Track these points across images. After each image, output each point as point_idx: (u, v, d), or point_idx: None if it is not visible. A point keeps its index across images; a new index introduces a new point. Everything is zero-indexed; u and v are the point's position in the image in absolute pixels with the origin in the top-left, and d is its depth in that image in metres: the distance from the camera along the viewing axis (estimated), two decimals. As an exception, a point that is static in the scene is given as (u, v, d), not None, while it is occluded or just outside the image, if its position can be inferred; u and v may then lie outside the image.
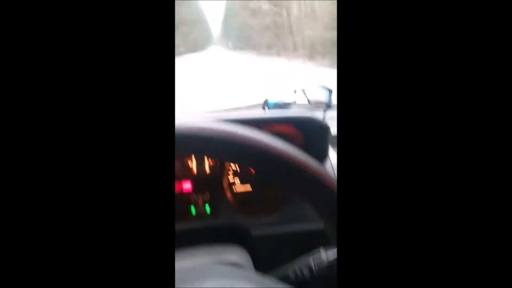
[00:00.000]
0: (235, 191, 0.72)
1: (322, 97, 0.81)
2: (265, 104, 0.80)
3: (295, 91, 0.78)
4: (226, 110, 0.94)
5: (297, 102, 0.78)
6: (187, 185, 0.68)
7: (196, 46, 37.56)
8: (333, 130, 0.75)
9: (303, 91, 0.78)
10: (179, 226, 0.64)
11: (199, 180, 0.70)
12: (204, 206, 0.68)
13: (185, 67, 13.35)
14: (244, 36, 28.66)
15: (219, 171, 0.71)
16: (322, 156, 0.72)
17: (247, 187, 0.72)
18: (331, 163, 0.74)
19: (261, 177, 0.70)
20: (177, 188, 0.67)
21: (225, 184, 0.71)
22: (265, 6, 17.34)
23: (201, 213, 0.69)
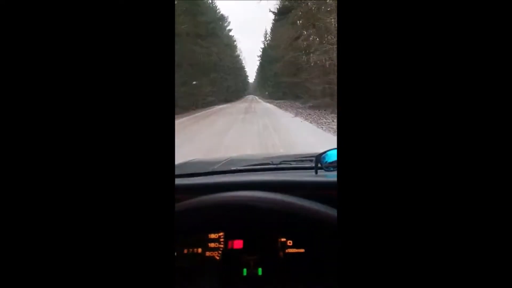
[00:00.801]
0: (288, 252, 0.66)
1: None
2: (319, 160, 0.72)
3: None
4: (279, 162, 0.84)
5: None
6: (238, 244, 0.66)
7: (230, 95, 35.02)
8: None
9: None
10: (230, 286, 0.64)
11: (251, 239, 0.67)
12: (256, 267, 0.64)
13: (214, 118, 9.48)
14: (284, 84, 25.05)
15: (272, 230, 0.68)
16: None
17: (301, 250, 0.66)
18: None
19: (316, 245, 0.64)
20: (228, 246, 0.66)
21: (278, 245, 0.65)
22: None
23: (252, 274, 0.64)
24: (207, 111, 17.35)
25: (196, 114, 14.10)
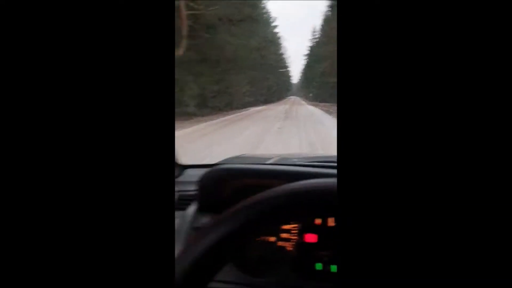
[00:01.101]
0: None
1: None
2: None
3: None
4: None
5: None
6: (312, 238, 0.67)
7: (271, 95, 32.59)
8: None
9: None
10: (303, 281, 0.64)
11: (325, 234, 0.67)
12: (330, 263, 0.66)
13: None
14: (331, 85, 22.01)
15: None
16: None
17: None
18: None
19: None
20: (302, 238, 0.67)
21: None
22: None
23: (326, 270, 0.66)
24: (240, 113, 14.91)
25: (223, 118, 11.64)
